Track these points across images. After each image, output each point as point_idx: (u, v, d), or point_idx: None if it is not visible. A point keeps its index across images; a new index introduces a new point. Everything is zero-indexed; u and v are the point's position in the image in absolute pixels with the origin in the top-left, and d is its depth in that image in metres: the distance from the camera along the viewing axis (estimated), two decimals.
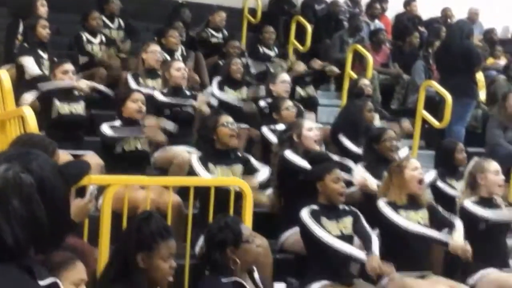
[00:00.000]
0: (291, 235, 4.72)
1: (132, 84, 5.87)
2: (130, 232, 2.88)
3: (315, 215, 4.28)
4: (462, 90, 7.10)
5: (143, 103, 4.94)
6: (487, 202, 4.76)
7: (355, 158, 5.48)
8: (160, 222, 2.90)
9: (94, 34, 7.01)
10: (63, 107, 5.19)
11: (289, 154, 4.83)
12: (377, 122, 6.32)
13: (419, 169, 4.61)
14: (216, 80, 6.49)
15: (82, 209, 3.08)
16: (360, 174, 4.98)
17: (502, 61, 9.14)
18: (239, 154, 4.82)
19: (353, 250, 4.25)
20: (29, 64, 6.02)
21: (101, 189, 4.00)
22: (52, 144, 3.25)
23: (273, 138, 5.42)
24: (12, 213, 1.42)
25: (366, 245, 4.26)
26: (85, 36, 6.99)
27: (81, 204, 3.09)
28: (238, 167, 4.65)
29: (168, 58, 6.55)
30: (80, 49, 6.93)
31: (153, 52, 6.12)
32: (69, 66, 5.34)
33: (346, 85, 7.68)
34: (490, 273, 4.64)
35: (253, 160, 4.75)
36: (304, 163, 4.75)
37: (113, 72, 6.67)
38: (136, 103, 4.91)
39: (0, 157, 1.49)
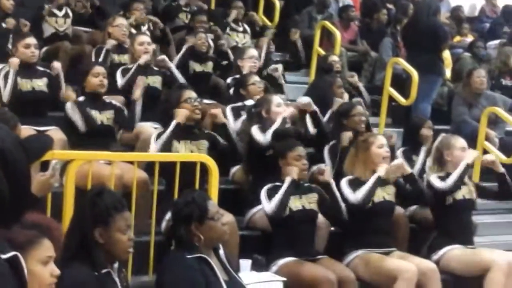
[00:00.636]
0: (258, 211, 4.71)
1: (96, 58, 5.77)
2: (84, 209, 2.85)
3: (272, 191, 4.29)
4: (428, 68, 7.13)
5: (104, 77, 4.86)
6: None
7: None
8: (113, 195, 2.89)
9: (59, 7, 6.86)
10: (25, 84, 5.08)
11: (253, 129, 4.81)
12: (345, 98, 6.31)
13: (385, 146, 4.63)
14: (180, 54, 6.41)
15: (44, 183, 3.03)
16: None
17: (469, 39, 9.20)
18: (204, 130, 4.77)
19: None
20: None
21: (65, 165, 3.95)
22: (13, 118, 3.20)
23: (231, 119, 5.37)
24: None
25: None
26: (49, 8, 6.82)
27: (43, 178, 3.03)
28: (203, 143, 4.61)
29: (134, 32, 6.43)
30: (44, 22, 6.77)
31: (119, 26, 6.01)
32: (31, 40, 5.21)
33: (314, 62, 7.66)
34: (454, 249, 4.70)
35: (218, 137, 4.71)
36: (260, 137, 4.71)
37: (78, 47, 6.56)
38: (98, 77, 4.84)
39: None
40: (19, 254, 1.52)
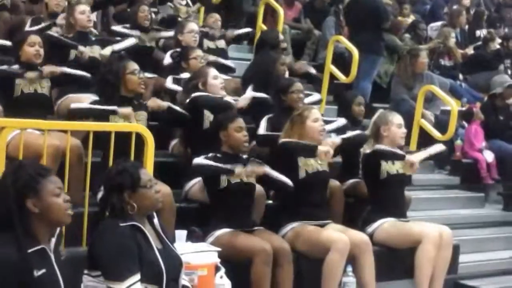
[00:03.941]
0: (195, 183, 4.73)
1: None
2: (6, 183, 2.73)
3: (215, 159, 4.30)
4: (369, 47, 7.24)
5: (40, 46, 4.78)
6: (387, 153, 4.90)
7: None
8: (34, 164, 2.83)
9: None
10: None
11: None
12: (286, 75, 6.35)
13: (320, 120, 4.69)
14: (121, 28, 6.34)
15: None
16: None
17: (410, 20, 9.35)
18: (143, 102, 4.75)
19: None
20: None
21: None
22: None
23: (176, 88, 5.35)
24: None
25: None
26: None
27: None
28: (143, 114, 4.59)
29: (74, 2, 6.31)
30: None
31: None
32: None
33: (257, 38, 7.66)
34: (387, 222, 4.81)
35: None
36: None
37: (18, 17, 6.42)
38: (34, 47, 4.75)
39: None
40: None
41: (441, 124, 6.66)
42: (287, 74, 6.19)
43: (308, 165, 4.58)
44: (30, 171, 2.74)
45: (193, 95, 4.82)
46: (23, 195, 2.70)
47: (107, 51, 5.57)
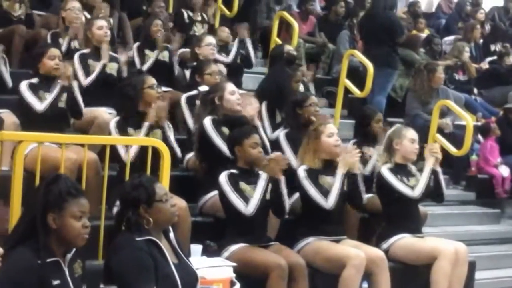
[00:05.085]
0: (210, 198, 4.73)
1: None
2: (38, 193, 2.82)
3: (233, 180, 4.29)
4: (384, 61, 7.24)
5: (60, 60, 4.82)
6: (402, 169, 4.88)
7: None
8: (68, 181, 2.85)
9: None
10: None
11: (209, 128, 4.79)
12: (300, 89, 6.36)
13: (336, 135, 4.68)
14: (135, 45, 6.38)
15: None
16: None
17: (425, 34, 9.34)
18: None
19: None
20: None
21: (15, 147, 3.90)
22: None
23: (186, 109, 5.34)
24: None
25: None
26: None
27: None
28: (158, 133, 4.59)
29: (89, 16, 6.37)
30: None
31: (72, 9, 5.94)
32: None
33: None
34: (403, 238, 4.78)
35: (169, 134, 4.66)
36: (221, 144, 4.72)
37: (33, 31, 6.48)
38: (54, 60, 4.80)
39: None
40: None
41: (457, 139, 6.63)
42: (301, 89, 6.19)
43: (325, 182, 4.56)
44: (62, 188, 2.78)
45: (203, 121, 4.81)
46: (47, 209, 2.74)
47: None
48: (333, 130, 4.68)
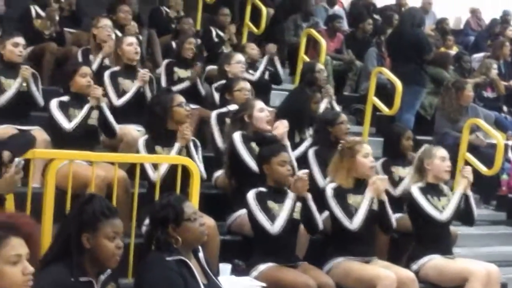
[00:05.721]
0: (239, 216, 4.71)
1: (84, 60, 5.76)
2: (73, 213, 2.84)
3: (261, 198, 4.28)
4: (412, 78, 7.18)
5: (91, 78, 4.86)
6: (433, 189, 4.83)
7: None
8: (103, 201, 2.87)
9: (44, 8, 6.79)
10: (8, 84, 5.03)
11: (239, 144, 4.79)
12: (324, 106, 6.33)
13: (371, 156, 4.65)
14: (165, 62, 6.40)
15: (8, 180, 3.01)
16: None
17: (453, 52, 9.28)
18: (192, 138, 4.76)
19: None
20: None
21: (47, 164, 3.93)
22: None
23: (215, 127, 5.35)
24: None
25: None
26: (35, 9, 6.79)
27: (8, 175, 3.02)
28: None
29: (120, 34, 6.42)
30: (29, 23, 6.69)
31: (104, 27, 5.98)
32: (20, 40, 5.17)
33: (299, 69, 7.68)
34: (433, 259, 4.72)
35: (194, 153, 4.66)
36: (248, 159, 4.71)
37: (64, 48, 6.54)
38: (85, 78, 4.83)
39: None
40: None
41: (487, 158, 6.54)
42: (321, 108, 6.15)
43: (355, 201, 4.53)
44: (96, 208, 2.79)
45: (233, 136, 4.82)
46: (81, 229, 2.76)
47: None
48: (368, 151, 4.64)
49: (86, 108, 4.73)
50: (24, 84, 5.09)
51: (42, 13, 6.77)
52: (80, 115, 4.71)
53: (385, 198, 4.56)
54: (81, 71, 4.84)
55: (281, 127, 5.00)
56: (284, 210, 4.25)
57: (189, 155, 4.50)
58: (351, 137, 5.16)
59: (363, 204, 4.46)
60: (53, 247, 2.80)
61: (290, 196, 4.30)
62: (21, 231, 2.18)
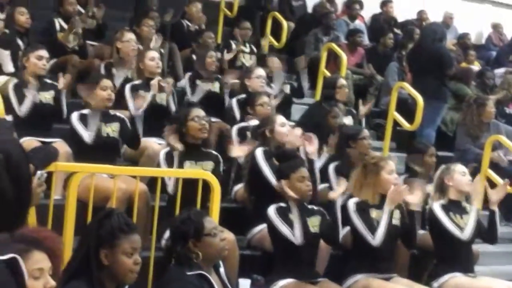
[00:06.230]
0: (259, 231, 4.70)
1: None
2: (91, 229, 2.84)
3: (282, 212, 4.27)
4: (433, 93, 7.15)
5: (112, 90, 4.89)
6: (455, 206, 4.79)
7: None
8: (122, 217, 2.86)
9: (68, 22, 6.85)
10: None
11: (260, 160, 4.79)
12: (348, 122, 6.32)
13: (394, 172, 4.62)
14: (187, 75, 6.42)
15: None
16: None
17: (475, 67, 9.22)
18: (212, 151, 4.77)
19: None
20: (4, 59, 5.87)
21: (68, 177, 3.95)
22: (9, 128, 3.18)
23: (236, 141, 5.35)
24: None
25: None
26: (59, 22, 6.85)
27: None
28: (208, 164, 4.61)
29: (141, 47, 6.45)
30: (52, 36, 6.76)
31: (129, 41, 6.03)
32: (44, 52, 5.21)
33: (320, 83, 7.68)
34: (455, 277, 4.67)
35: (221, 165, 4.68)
36: (270, 175, 4.70)
37: (86, 60, 6.59)
38: (106, 91, 4.86)
39: None
40: (18, 257, 1.52)
41: (509, 174, 6.47)
42: (348, 121, 6.14)
43: (378, 216, 4.50)
44: (114, 224, 2.79)
45: (255, 152, 4.81)
46: (100, 245, 2.76)
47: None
48: (393, 167, 4.61)
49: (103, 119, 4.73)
50: (48, 97, 5.12)
51: (66, 26, 6.83)
52: (95, 127, 4.72)
53: (415, 208, 4.52)
54: (102, 84, 4.87)
55: (315, 143, 4.90)
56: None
57: (215, 172, 4.50)
58: (374, 153, 5.14)
59: (383, 217, 4.44)
60: (72, 262, 2.80)
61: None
62: (44, 245, 2.19)
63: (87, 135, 4.71)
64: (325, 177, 5.21)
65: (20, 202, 1.46)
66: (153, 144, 5.26)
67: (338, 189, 4.50)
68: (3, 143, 1.46)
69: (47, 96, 5.15)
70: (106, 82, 4.90)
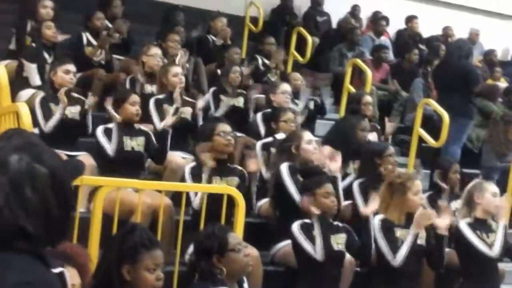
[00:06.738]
0: (283, 247, 4.68)
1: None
2: (114, 244, 2.84)
3: (306, 228, 4.24)
4: (459, 110, 7.08)
5: (140, 106, 4.91)
6: (482, 224, 4.73)
7: None
8: (144, 233, 2.86)
9: (96, 36, 6.90)
10: (57, 110, 5.05)
11: (285, 175, 4.78)
12: (373, 138, 6.28)
13: (421, 192, 4.57)
14: (211, 90, 6.45)
15: None
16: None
17: (501, 83, 9.14)
18: (237, 166, 4.77)
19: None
20: (32, 72, 5.92)
21: (93, 191, 3.97)
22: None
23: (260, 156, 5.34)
24: (27, 202, 1.43)
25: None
26: (86, 37, 6.90)
27: None
28: (234, 180, 4.61)
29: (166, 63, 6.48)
30: (80, 50, 6.80)
31: (154, 56, 6.06)
32: (71, 67, 5.23)
33: (344, 99, 7.66)
34: None
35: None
36: (294, 192, 4.68)
37: (112, 74, 6.64)
38: (134, 106, 4.88)
39: (5, 148, 1.48)
40: (65, 271, 1.56)
41: None
42: (373, 137, 6.10)
43: (403, 235, 4.45)
44: (137, 240, 2.78)
45: (280, 167, 4.79)
46: (122, 260, 2.75)
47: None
48: (419, 188, 4.55)
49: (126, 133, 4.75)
50: (74, 111, 5.16)
51: (93, 41, 6.88)
52: (115, 141, 4.74)
53: (445, 233, 4.46)
54: (131, 99, 4.89)
55: (339, 160, 4.84)
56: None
57: (240, 187, 4.50)
58: (400, 171, 5.09)
59: (407, 239, 4.38)
60: (95, 276, 2.79)
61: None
62: (76, 261, 2.21)
63: (111, 149, 4.74)
64: (349, 195, 5.17)
65: (63, 218, 1.48)
66: (177, 157, 5.27)
67: (371, 205, 4.47)
68: (50, 159, 1.47)
69: (73, 111, 5.17)
70: (134, 98, 4.93)
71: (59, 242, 1.53)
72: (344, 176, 5.48)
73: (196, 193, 4.37)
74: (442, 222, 4.42)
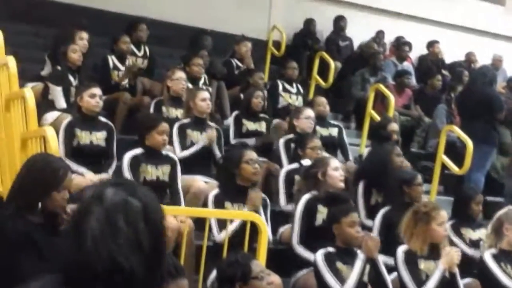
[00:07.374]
0: (304, 274, 4.65)
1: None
2: None
3: (329, 259, 4.21)
4: (483, 137, 7.04)
5: (167, 135, 4.91)
6: (507, 256, 4.67)
7: None
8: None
9: (122, 60, 6.95)
10: (83, 136, 5.06)
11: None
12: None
13: (445, 223, 4.53)
14: (234, 114, 6.48)
15: None
16: None
17: None
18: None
19: None
20: (57, 95, 5.95)
21: None
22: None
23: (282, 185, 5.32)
24: (120, 234, 1.46)
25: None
26: (112, 60, 6.94)
27: None
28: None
29: (190, 86, 6.51)
30: (106, 73, 6.85)
31: (179, 80, 6.09)
32: (97, 90, 5.22)
33: (366, 124, 7.64)
34: None
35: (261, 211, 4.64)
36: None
37: (137, 98, 6.68)
38: (162, 135, 4.86)
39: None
40: None
41: None
42: (405, 164, 6.04)
43: (427, 268, 4.41)
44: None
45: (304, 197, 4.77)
46: None
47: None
48: (444, 218, 4.51)
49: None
50: (101, 137, 5.14)
51: (119, 64, 6.93)
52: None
53: (456, 270, 4.41)
54: (159, 128, 4.85)
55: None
56: (354, 272, 4.15)
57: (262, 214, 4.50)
58: (426, 200, 5.05)
59: (435, 275, 4.31)
60: None
61: (361, 257, 4.20)
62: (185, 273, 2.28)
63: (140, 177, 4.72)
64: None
65: (158, 254, 1.50)
66: (198, 182, 5.27)
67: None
68: (143, 194, 1.51)
69: (99, 137, 5.13)
70: (163, 127, 4.87)
71: (162, 280, 1.53)
72: (376, 205, 5.41)
73: (217, 224, 4.34)
74: (450, 261, 4.35)
